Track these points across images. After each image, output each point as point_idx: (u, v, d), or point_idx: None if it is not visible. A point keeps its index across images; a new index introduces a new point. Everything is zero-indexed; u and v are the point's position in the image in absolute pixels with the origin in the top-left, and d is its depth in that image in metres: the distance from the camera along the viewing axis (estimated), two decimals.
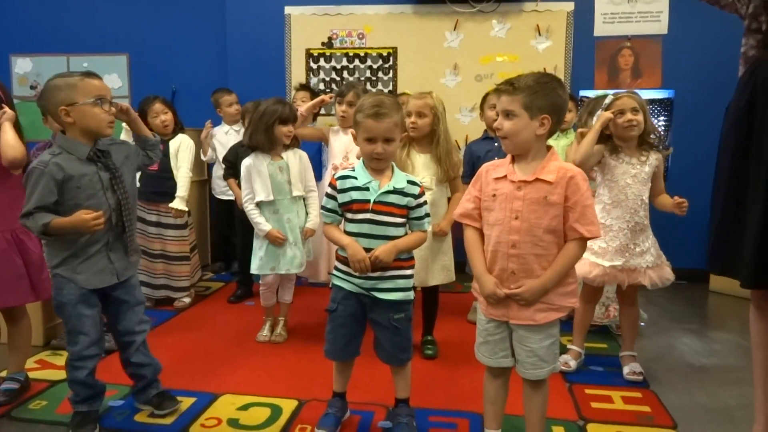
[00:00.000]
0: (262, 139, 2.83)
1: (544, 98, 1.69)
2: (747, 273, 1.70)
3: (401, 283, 1.97)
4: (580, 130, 2.57)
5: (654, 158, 2.49)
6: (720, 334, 3.22)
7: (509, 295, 1.74)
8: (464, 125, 4.40)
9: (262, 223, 2.85)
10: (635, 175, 2.47)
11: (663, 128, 4.38)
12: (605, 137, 2.53)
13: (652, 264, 2.49)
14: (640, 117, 2.45)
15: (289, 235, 2.87)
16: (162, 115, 3.45)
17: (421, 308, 2.86)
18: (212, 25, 4.74)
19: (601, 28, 4.26)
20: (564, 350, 2.68)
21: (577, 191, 1.68)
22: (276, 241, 2.83)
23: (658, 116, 4.37)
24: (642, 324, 3.26)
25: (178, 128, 3.56)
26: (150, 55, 4.85)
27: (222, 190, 4.21)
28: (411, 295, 2.00)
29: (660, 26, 4.20)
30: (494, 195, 1.77)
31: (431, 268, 2.76)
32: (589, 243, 2.47)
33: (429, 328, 2.90)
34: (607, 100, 2.53)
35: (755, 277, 1.69)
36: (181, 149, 3.46)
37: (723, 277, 1.86)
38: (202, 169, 4.44)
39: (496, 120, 1.78)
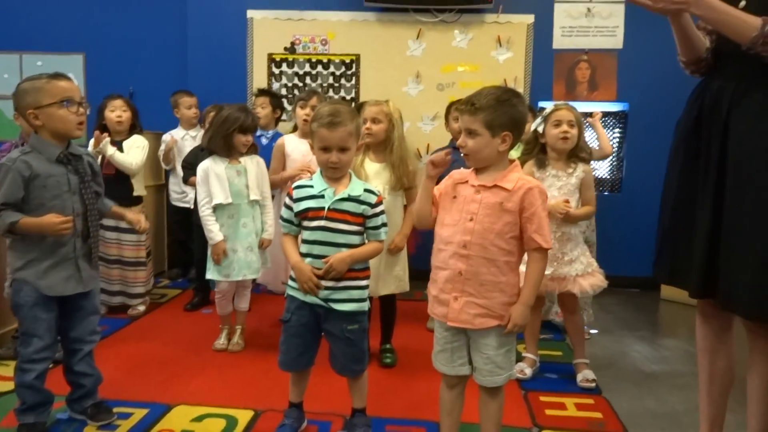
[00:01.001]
0: (220, 144, 2.82)
1: (505, 115, 1.74)
2: (694, 283, 1.76)
3: (355, 293, 1.97)
4: (522, 162, 2.65)
5: (581, 170, 2.57)
6: (669, 341, 3.32)
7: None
8: (426, 133, 4.44)
9: (214, 232, 2.81)
10: (561, 186, 2.56)
11: (618, 140, 4.50)
12: (540, 147, 2.61)
13: (581, 272, 2.56)
14: (574, 131, 2.54)
15: (245, 240, 2.84)
16: (119, 110, 3.39)
17: (379, 316, 2.87)
18: (173, 27, 4.66)
19: (559, 41, 4.36)
20: (519, 358, 2.73)
21: (534, 203, 1.74)
22: (218, 255, 2.79)
23: (613, 128, 4.50)
24: (593, 331, 3.34)
25: (137, 130, 3.49)
26: (107, 54, 4.74)
27: (178, 196, 4.15)
28: (366, 305, 2.01)
29: (616, 41, 4.32)
30: (455, 197, 1.82)
31: (383, 277, 2.76)
32: None
33: (387, 337, 2.91)
34: (547, 110, 2.61)
35: (702, 287, 1.74)
36: (133, 147, 3.39)
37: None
38: (158, 174, 4.35)
39: (461, 132, 1.82)
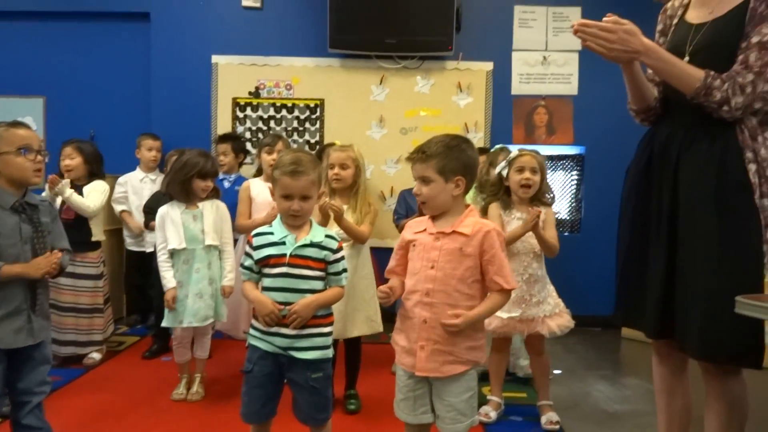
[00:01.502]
0: (178, 189, 2.80)
1: (456, 161, 1.80)
2: (650, 325, 1.80)
3: (319, 341, 1.95)
4: (486, 203, 2.70)
5: (543, 212, 2.63)
6: (631, 380, 3.36)
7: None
8: (389, 176, 4.49)
9: (167, 278, 2.77)
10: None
11: (575, 182, 4.63)
12: (504, 189, 2.67)
13: (549, 313, 2.60)
14: (537, 177, 2.60)
15: (195, 286, 2.79)
16: (67, 158, 3.34)
17: (343, 361, 2.84)
18: (136, 70, 4.64)
19: (517, 88, 4.51)
20: (484, 400, 2.72)
21: (493, 245, 1.78)
22: (168, 302, 2.74)
23: (571, 170, 4.63)
24: (557, 371, 3.37)
25: (100, 175, 3.44)
26: (69, 98, 4.68)
27: (136, 240, 4.08)
28: (330, 353, 1.99)
29: (571, 87, 4.50)
30: (414, 245, 1.85)
31: (353, 318, 2.75)
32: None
33: (352, 382, 2.87)
34: (511, 155, 2.67)
35: (658, 328, 1.79)
36: (93, 191, 3.33)
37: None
38: (116, 218, 4.27)
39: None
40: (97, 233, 3.44)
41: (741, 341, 1.61)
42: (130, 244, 4.16)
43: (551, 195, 2.74)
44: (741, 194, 1.63)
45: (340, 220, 2.61)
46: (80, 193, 3.28)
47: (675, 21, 1.89)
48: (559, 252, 2.68)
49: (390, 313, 2.89)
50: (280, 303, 1.91)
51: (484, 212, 2.76)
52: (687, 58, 1.73)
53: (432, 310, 1.77)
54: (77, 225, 3.25)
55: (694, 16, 1.82)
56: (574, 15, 4.44)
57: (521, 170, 2.61)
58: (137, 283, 4.21)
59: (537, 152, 2.69)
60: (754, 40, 1.62)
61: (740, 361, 1.67)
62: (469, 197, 3.55)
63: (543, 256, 2.66)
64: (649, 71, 1.89)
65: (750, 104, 1.63)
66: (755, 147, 1.64)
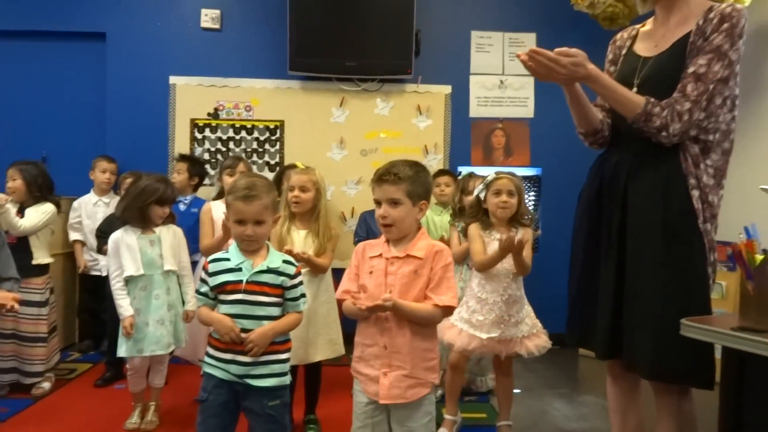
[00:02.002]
0: (135, 215, 2.74)
1: (422, 186, 1.85)
2: (600, 346, 1.85)
3: (276, 368, 1.93)
4: (466, 225, 2.73)
5: (521, 233, 2.67)
6: (588, 397, 3.42)
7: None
8: (350, 197, 4.50)
9: (124, 306, 2.69)
10: None
11: (533, 203, 4.73)
12: (483, 211, 2.71)
13: (527, 333, 2.63)
14: (514, 200, 2.64)
15: (156, 313, 2.72)
16: (9, 181, 3.24)
17: (303, 385, 2.81)
18: (92, 90, 4.54)
19: (475, 110, 4.60)
20: (440, 420, 2.73)
21: (439, 262, 1.82)
22: (126, 330, 2.66)
23: (529, 192, 4.72)
24: (516, 391, 3.40)
25: (48, 197, 3.34)
26: (21, 119, 4.55)
27: (90, 264, 3.97)
28: (287, 379, 1.97)
29: (527, 110, 4.61)
30: (371, 272, 1.86)
31: (315, 343, 2.73)
32: (467, 316, 2.61)
33: (311, 407, 2.84)
34: (489, 178, 2.70)
35: (607, 348, 1.84)
36: (32, 212, 3.20)
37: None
38: (68, 242, 4.15)
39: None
40: (41, 256, 3.30)
41: (690, 361, 1.67)
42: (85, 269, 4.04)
43: (529, 216, 2.78)
44: (685, 219, 1.70)
45: (307, 263, 2.60)
46: (24, 214, 3.18)
47: (624, 52, 1.97)
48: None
49: (352, 335, 2.89)
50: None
51: (464, 234, 2.80)
52: (635, 89, 1.81)
53: (391, 334, 1.79)
54: (18, 248, 3.10)
55: (641, 48, 1.91)
56: (529, 40, 4.57)
57: (498, 193, 2.64)
58: (90, 307, 4.09)
59: (514, 175, 2.74)
60: (690, 70, 1.70)
61: (690, 381, 1.72)
62: (438, 223, 3.60)
63: (521, 277, 2.69)
64: (599, 98, 1.96)
65: (687, 131, 1.71)
66: (698, 174, 1.71)
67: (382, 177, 1.83)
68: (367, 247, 1.92)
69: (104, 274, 3.63)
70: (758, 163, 3.67)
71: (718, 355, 1.60)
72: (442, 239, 3.33)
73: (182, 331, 2.83)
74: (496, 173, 2.71)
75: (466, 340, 2.60)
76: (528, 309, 2.71)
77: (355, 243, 3.64)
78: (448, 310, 1.84)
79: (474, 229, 2.69)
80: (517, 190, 2.67)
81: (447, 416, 2.77)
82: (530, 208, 4.73)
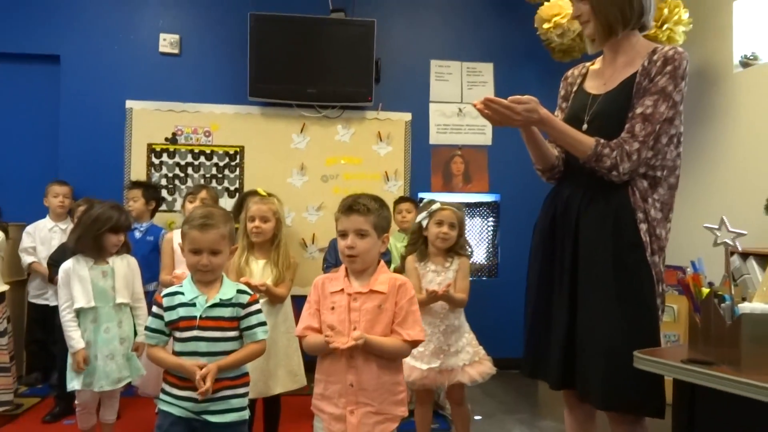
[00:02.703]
0: (90, 245, 2.65)
1: (384, 219, 1.87)
2: (553, 376, 1.88)
3: (235, 402, 1.89)
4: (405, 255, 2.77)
5: (457, 262, 2.70)
6: (547, 423, 3.46)
7: None
8: (311, 223, 4.49)
9: (75, 339, 2.58)
10: (440, 282, 2.66)
11: (492, 228, 4.80)
12: (423, 239, 2.73)
13: (469, 361, 2.64)
14: (454, 233, 2.68)
15: (105, 347, 2.61)
16: None
17: (262, 418, 2.76)
18: (45, 114, 4.42)
19: (435, 137, 4.68)
20: None
21: (404, 297, 1.84)
22: (79, 364, 2.56)
23: (488, 217, 4.81)
24: (477, 417, 3.41)
25: None
26: None
27: (38, 293, 3.84)
28: (246, 414, 1.93)
29: (485, 138, 4.71)
30: (333, 308, 1.84)
31: (275, 375, 2.68)
32: None
33: None
34: (433, 207, 2.74)
35: (560, 379, 1.87)
36: None
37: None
38: (19, 269, 4.01)
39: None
40: None
41: (641, 391, 1.71)
42: (33, 297, 3.91)
43: (469, 248, 2.82)
44: (634, 252, 1.75)
45: (267, 293, 2.59)
46: None
47: (575, 89, 2.04)
48: (473, 297, 2.71)
49: (312, 364, 2.86)
50: None
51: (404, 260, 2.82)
52: (585, 126, 1.87)
53: (357, 371, 1.79)
54: None
55: (591, 86, 1.98)
56: (486, 70, 4.68)
57: (440, 224, 2.67)
58: (39, 338, 3.94)
59: (459, 207, 2.77)
60: (638, 111, 1.77)
61: (642, 410, 1.76)
62: (401, 249, 3.61)
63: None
64: None
65: (636, 169, 1.78)
66: (646, 208, 1.78)
67: (352, 207, 1.83)
68: (326, 281, 1.91)
69: (53, 304, 3.52)
70: (702, 196, 3.82)
71: (668, 379, 1.65)
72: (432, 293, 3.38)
73: (137, 360, 2.74)
74: (441, 203, 2.74)
75: (407, 372, 2.59)
76: (469, 337, 2.72)
77: (324, 269, 3.62)
78: (415, 344, 1.85)
79: (410, 262, 2.72)
80: (459, 222, 2.71)
81: None
82: (489, 233, 4.80)
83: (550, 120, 1.79)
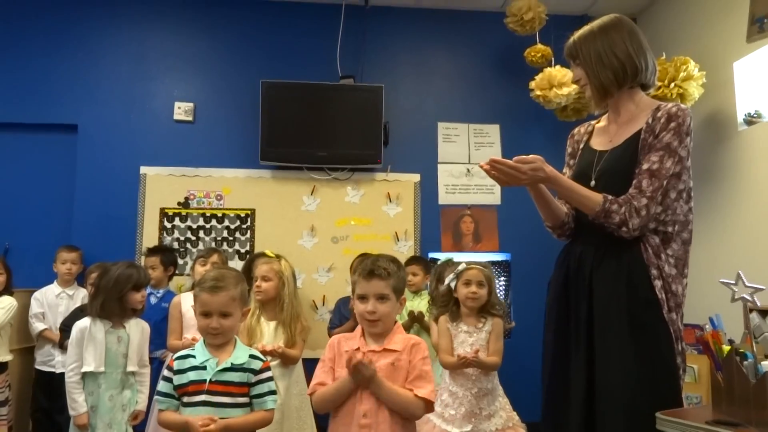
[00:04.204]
0: (116, 307, 2.62)
1: (402, 281, 1.88)
2: None
3: None
4: (437, 315, 2.74)
5: (490, 323, 2.66)
6: None
7: None
8: (321, 285, 4.47)
9: (78, 402, 2.53)
10: (473, 343, 2.61)
11: (503, 288, 4.75)
12: (454, 301, 2.70)
13: (501, 426, 2.56)
14: (483, 291, 2.65)
15: (106, 415, 2.56)
16: None
17: None
18: (61, 181, 4.50)
19: (444, 198, 4.71)
20: None
21: (417, 354, 1.82)
22: (82, 428, 2.51)
23: (499, 277, 4.76)
24: None
25: (8, 291, 3.23)
26: None
27: (45, 359, 3.81)
28: None
29: (494, 197, 4.73)
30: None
31: None
32: (440, 410, 2.55)
33: None
34: (460, 268, 2.72)
35: None
36: None
37: None
38: (27, 336, 3.98)
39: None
40: (1, 353, 3.18)
41: None
42: (40, 363, 3.86)
43: (500, 306, 2.78)
44: (650, 310, 1.72)
45: (281, 357, 2.57)
46: None
47: (581, 146, 2.07)
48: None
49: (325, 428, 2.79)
50: None
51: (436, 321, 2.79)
52: (593, 182, 1.88)
53: (371, 430, 1.74)
54: None
55: (597, 143, 2.00)
56: (493, 131, 4.76)
57: (468, 283, 2.65)
58: (44, 406, 3.87)
59: (485, 265, 2.76)
60: (645, 167, 1.78)
61: None
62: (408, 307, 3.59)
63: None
64: None
65: (645, 225, 1.77)
66: (659, 264, 1.76)
67: (374, 272, 1.81)
68: (342, 339, 1.90)
69: (59, 371, 3.49)
70: (714, 253, 3.79)
71: None
72: (411, 314, 3.38)
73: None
74: (467, 263, 2.73)
75: None
76: (503, 401, 2.65)
77: (329, 331, 3.58)
78: (428, 405, 1.81)
79: (442, 323, 2.69)
80: (488, 280, 2.68)
81: None
82: (501, 293, 4.75)
83: (556, 177, 1.80)
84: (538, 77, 4.12)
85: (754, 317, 2.63)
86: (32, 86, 4.44)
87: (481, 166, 1.78)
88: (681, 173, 1.78)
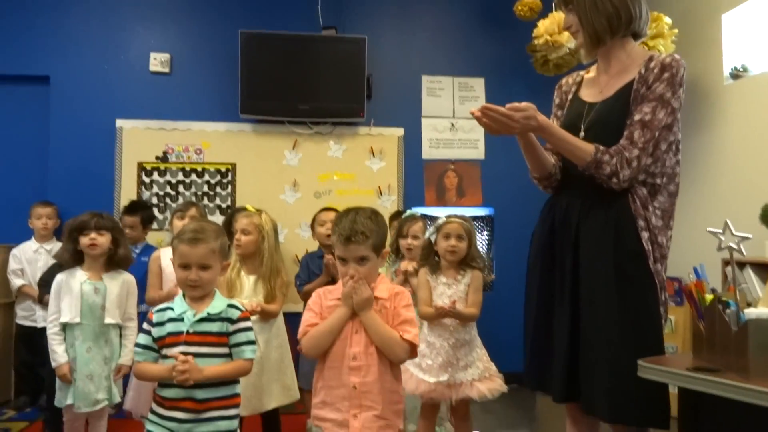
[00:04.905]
0: (68, 253, 2.61)
1: (383, 236, 1.84)
2: (557, 389, 1.84)
3: (223, 425, 1.83)
4: (405, 267, 2.73)
5: (470, 276, 2.67)
6: None
7: None
8: (304, 240, 4.44)
9: (58, 353, 2.51)
10: (452, 294, 2.62)
11: (486, 242, 4.78)
12: (434, 254, 2.70)
13: (478, 376, 2.59)
14: (463, 244, 2.64)
15: (84, 367, 2.54)
16: None
17: None
18: (34, 135, 4.37)
19: (427, 152, 4.67)
20: None
21: (401, 302, 1.83)
22: (63, 378, 2.51)
23: (482, 231, 4.78)
24: None
25: None
26: None
27: (26, 314, 3.78)
28: None
29: (478, 152, 4.71)
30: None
31: (269, 390, 2.65)
32: (417, 360, 2.57)
33: None
34: (440, 221, 2.71)
35: (564, 392, 1.83)
36: None
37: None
38: (7, 291, 3.93)
39: (328, 236, 1.86)
40: None
41: (649, 403, 1.68)
42: (21, 318, 3.84)
43: (482, 260, 2.79)
44: (636, 261, 1.73)
45: (261, 313, 2.57)
46: None
47: (570, 97, 2.04)
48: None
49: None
50: (179, 387, 1.78)
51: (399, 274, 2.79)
52: (582, 134, 1.86)
53: (361, 373, 1.75)
54: None
55: (587, 94, 1.97)
56: (478, 85, 4.70)
57: (448, 237, 2.64)
58: (26, 360, 3.86)
59: (465, 218, 2.74)
60: (636, 118, 1.76)
61: (649, 422, 1.73)
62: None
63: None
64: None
65: (636, 176, 1.76)
66: (647, 215, 1.76)
67: (351, 239, 1.76)
68: (326, 292, 1.89)
69: (41, 325, 3.47)
70: (696, 206, 3.82)
71: (672, 390, 1.63)
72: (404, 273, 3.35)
73: (115, 387, 2.65)
74: (447, 216, 2.72)
75: (415, 385, 2.56)
76: (480, 352, 2.68)
77: (297, 286, 3.54)
78: (413, 350, 1.82)
79: (422, 275, 2.69)
80: (467, 233, 2.67)
81: None
82: (483, 247, 4.77)
83: (548, 126, 1.78)
84: (546, 21, 3.90)
85: (731, 271, 2.67)
86: (1, 36, 4.26)
87: (473, 113, 1.74)
88: (672, 125, 1.77)
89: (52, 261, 3.57)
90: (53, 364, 2.53)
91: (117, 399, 2.69)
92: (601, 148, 1.76)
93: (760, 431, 1.42)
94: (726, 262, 3.16)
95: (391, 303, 1.81)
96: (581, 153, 1.78)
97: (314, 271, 3.52)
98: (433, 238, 2.70)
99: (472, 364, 2.60)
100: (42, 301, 3.26)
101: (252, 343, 1.91)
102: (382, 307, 1.80)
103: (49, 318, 2.59)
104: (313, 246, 4.27)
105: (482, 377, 2.60)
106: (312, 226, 3.73)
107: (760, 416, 1.35)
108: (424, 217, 3.96)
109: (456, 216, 2.74)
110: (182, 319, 1.84)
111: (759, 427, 1.41)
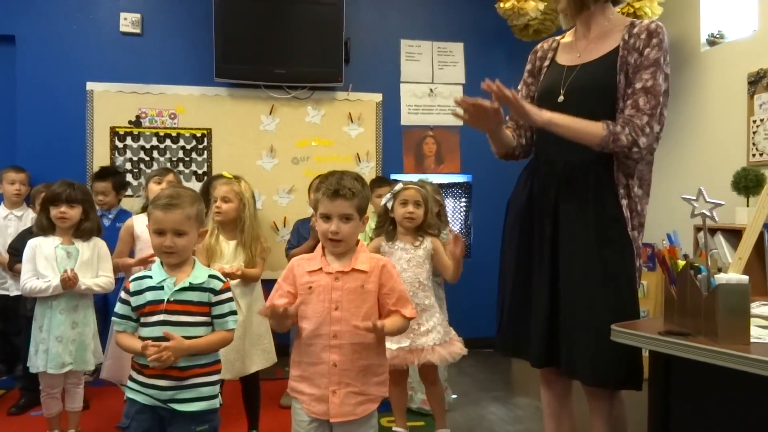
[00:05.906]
0: (43, 222, 2.62)
1: (366, 200, 1.82)
2: (535, 354, 1.88)
3: (205, 391, 1.83)
4: (376, 234, 2.76)
5: (428, 242, 2.68)
6: (522, 400, 3.49)
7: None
8: (282, 206, 4.42)
9: (40, 284, 2.53)
10: (410, 259, 2.64)
11: (464, 208, 4.80)
12: (390, 221, 2.70)
13: (439, 341, 2.62)
14: (420, 211, 2.65)
15: (56, 329, 2.56)
16: None
17: (242, 400, 2.74)
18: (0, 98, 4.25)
19: (406, 118, 4.63)
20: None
21: (390, 278, 1.80)
22: (66, 283, 2.50)
23: (460, 198, 4.80)
24: (453, 396, 3.42)
25: None
26: None
27: None
28: (216, 402, 1.87)
29: (457, 119, 4.65)
30: (310, 287, 1.78)
31: (250, 355, 2.68)
32: None
33: (254, 422, 2.77)
34: (396, 188, 2.71)
35: (543, 357, 1.87)
36: None
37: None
38: None
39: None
40: None
41: (626, 366, 1.72)
42: None
43: (437, 227, 2.78)
44: (616, 227, 1.75)
45: (241, 278, 2.57)
46: None
47: (547, 63, 2.02)
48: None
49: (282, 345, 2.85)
50: None
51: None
52: (562, 98, 1.85)
53: (341, 351, 1.74)
54: None
55: (564, 59, 1.96)
56: (456, 50, 4.65)
57: (405, 203, 2.65)
58: (1, 329, 3.81)
59: (424, 185, 2.74)
60: (638, 86, 1.74)
61: (626, 385, 1.77)
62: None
63: (430, 286, 2.69)
64: (509, 119, 2.00)
65: (653, 143, 1.75)
66: (629, 183, 1.78)
67: (338, 192, 1.74)
68: (302, 261, 1.85)
69: (13, 294, 3.43)
70: (668, 174, 3.88)
71: (645, 353, 1.67)
72: None
73: (87, 351, 2.66)
74: (404, 183, 2.72)
75: None
76: (440, 317, 2.70)
77: (287, 251, 3.58)
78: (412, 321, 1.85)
79: (375, 243, 2.70)
80: (424, 200, 2.68)
81: (397, 429, 2.77)
82: (461, 214, 4.80)
83: (556, 118, 1.76)
84: None
85: (702, 237, 2.73)
86: None
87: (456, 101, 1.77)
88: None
89: (22, 227, 3.50)
90: (52, 291, 2.53)
91: (89, 366, 2.69)
92: (609, 122, 1.73)
93: (728, 392, 1.47)
94: (698, 229, 3.22)
95: (375, 278, 1.78)
96: (592, 133, 1.73)
97: (303, 235, 3.56)
98: (389, 205, 2.70)
99: (433, 329, 2.63)
100: (12, 269, 3.20)
101: (234, 313, 1.91)
102: (365, 283, 1.77)
103: (24, 278, 2.58)
104: (293, 213, 4.28)
105: (443, 341, 2.64)
106: (309, 192, 3.68)
107: (728, 377, 1.39)
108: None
109: (412, 182, 2.74)
110: (162, 288, 1.82)
111: (727, 387, 1.46)
